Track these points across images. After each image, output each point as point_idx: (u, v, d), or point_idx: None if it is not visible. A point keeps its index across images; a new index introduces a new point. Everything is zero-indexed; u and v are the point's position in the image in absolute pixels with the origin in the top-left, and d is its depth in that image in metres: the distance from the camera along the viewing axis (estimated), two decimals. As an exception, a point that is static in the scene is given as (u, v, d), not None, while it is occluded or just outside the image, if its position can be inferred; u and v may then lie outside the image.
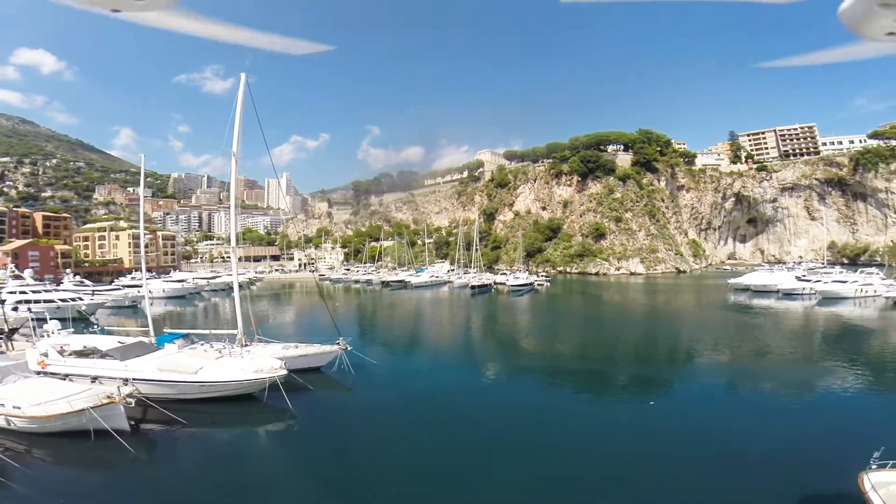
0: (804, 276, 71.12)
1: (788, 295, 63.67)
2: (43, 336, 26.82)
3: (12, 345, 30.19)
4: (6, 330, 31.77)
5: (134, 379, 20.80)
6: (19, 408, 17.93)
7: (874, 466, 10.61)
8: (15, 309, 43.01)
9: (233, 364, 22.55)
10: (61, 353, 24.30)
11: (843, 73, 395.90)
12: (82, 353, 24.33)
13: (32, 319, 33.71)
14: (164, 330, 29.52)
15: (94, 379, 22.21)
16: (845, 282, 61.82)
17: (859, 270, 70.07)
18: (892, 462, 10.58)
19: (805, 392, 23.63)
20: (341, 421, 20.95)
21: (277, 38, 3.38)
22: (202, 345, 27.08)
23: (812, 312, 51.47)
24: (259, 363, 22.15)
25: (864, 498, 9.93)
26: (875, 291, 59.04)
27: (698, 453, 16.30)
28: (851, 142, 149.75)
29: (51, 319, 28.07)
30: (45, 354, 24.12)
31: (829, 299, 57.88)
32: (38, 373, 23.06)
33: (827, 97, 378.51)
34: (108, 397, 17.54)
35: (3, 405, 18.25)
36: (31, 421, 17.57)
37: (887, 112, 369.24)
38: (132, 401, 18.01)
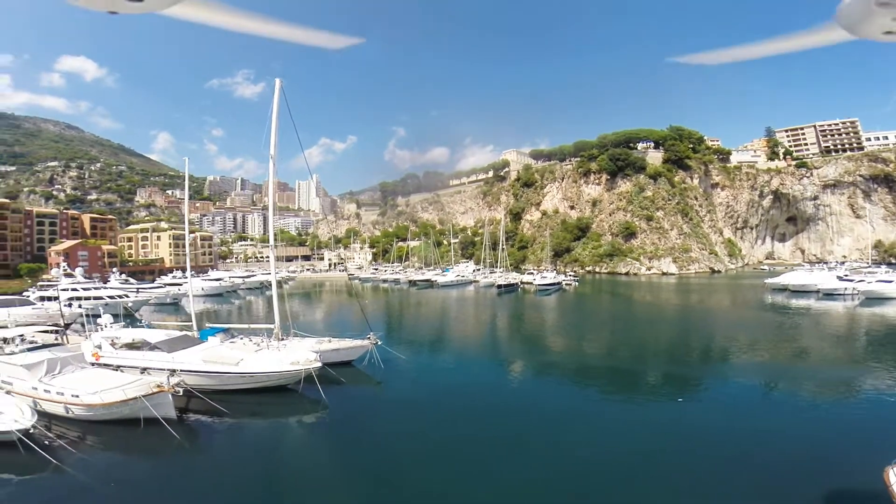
0: (846, 275, 68.21)
1: (829, 295, 61.28)
2: (97, 329, 28.63)
3: (67, 338, 32.41)
4: (62, 324, 34.16)
5: (180, 370, 22.12)
6: (77, 396, 19.28)
7: None
8: (68, 305, 45.82)
9: (271, 356, 23.67)
10: (113, 345, 25.98)
11: (881, 64, 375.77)
12: (132, 346, 25.94)
13: (84, 315, 36.06)
14: (206, 324, 31.07)
15: (144, 370, 23.70)
16: (891, 281, 59.02)
17: (907, 270, 66.74)
18: None
19: (836, 391, 23.00)
20: (371, 413, 21.71)
21: (305, 31, 3.40)
22: (241, 339, 28.46)
23: (853, 313, 49.47)
24: (295, 356, 23.19)
25: (889, 491, 9.91)
26: (924, 292, 56.22)
27: (723, 450, 16.25)
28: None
29: (104, 313, 29.90)
30: (99, 346, 25.81)
31: (873, 300, 55.45)
32: (93, 364, 24.73)
33: (871, 91, 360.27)
34: (158, 386, 18.75)
35: (62, 394, 19.64)
36: (88, 409, 18.85)
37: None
38: (180, 390, 19.18)
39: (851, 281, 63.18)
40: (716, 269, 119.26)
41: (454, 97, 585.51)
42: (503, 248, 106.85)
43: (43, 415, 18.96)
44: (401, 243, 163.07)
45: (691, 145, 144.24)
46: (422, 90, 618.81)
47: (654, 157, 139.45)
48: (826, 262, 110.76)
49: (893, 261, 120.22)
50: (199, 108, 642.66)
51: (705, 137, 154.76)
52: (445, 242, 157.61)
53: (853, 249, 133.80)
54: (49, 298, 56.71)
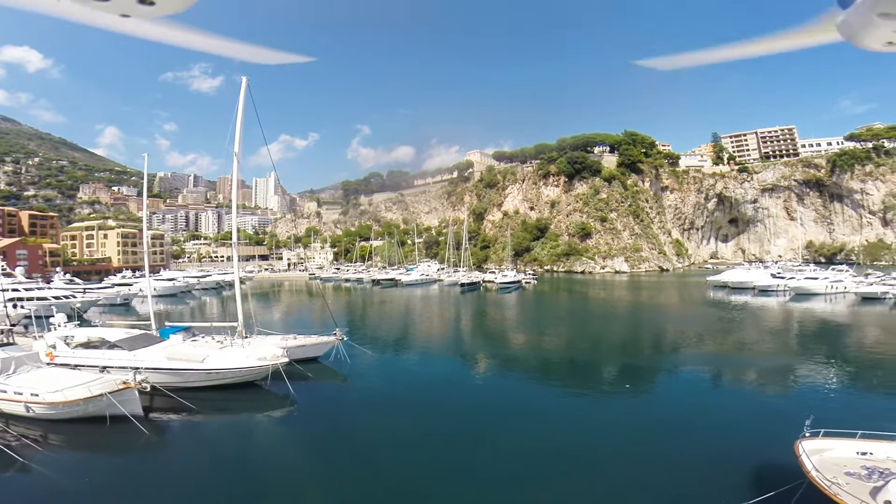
0: (779, 273, 74.02)
1: (764, 291, 66.45)
2: (48, 330, 27.79)
3: (13, 338, 31.12)
4: (7, 325, 32.69)
5: (143, 368, 22.02)
6: (37, 395, 18.96)
7: (807, 434, 12.13)
8: (14, 306, 43.57)
9: (237, 353, 23.92)
10: (67, 344, 25.39)
11: (828, 74, 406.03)
12: (89, 345, 25.42)
13: (29, 316, 34.62)
14: (166, 324, 30.67)
15: (104, 368, 23.34)
16: (817, 278, 64.77)
17: (831, 268, 73.18)
18: (823, 431, 12.18)
19: (762, 376, 25.66)
20: (339, 407, 22.37)
21: (259, 50, 3.31)
22: (203, 337, 28.36)
23: (784, 308, 54.08)
24: (262, 351, 23.55)
25: (798, 462, 11.36)
26: (845, 288, 61.96)
27: (659, 433, 17.97)
28: (829, 144, 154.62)
29: (56, 312, 29.01)
30: (53, 346, 25.19)
31: (801, 295, 60.68)
32: (48, 364, 24.12)
33: (812, 98, 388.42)
34: (124, 383, 18.79)
35: (21, 393, 19.27)
36: (50, 407, 18.59)
37: (869, 114, 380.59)
38: (147, 386, 19.29)
39: (783, 278, 68.73)
40: (664, 267, 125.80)
41: (422, 96, 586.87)
42: (466, 248, 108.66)
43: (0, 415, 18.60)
44: (364, 243, 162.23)
45: (644, 150, 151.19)
46: (388, 88, 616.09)
47: (610, 161, 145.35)
48: (763, 262, 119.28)
49: (822, 260, 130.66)
50: (152, 102, 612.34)
51: (657, 142, 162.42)
52: (409, 242, 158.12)
53: (788, 249, 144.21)
54: (-14, 300, 53.44)
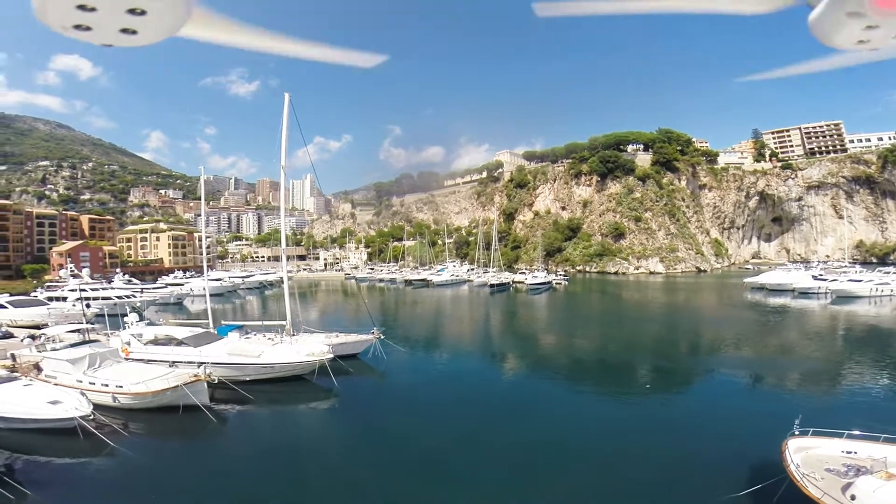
0: (821, 275, 71.67)
1: (804, 294, 64.64)
2: (124, 327, 31.15)
3: (89, 335, 34.85)
4: (85, 323, 36.53)
5: (208, 363, 24.75)
6: (122, 387, 21.78)
7: (796, 433, 13.02)
8: (87, 306, 47.87)
9: (288, 349, 26.43)
10: (138, 341, 28.54)
11: (875, 66, 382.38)
12: (157, 342, 28.50)
13: (100, 315, 38.40)
14: (222, 322, 33.68)
15: (172, 364, 26.23)
16: (860, 281, 62.61)
17: (877, 270, 70.35)
18: (812, 430, 13.05)
19: (783, 379, 25.97)
20: (377, 400, 24.57)
21: (331, 50, 3.12)
22: (255, 335, 31.13)
23: (824, 311, 52.83)
24: (310, 348, 25.97)
25: (782, 458, 12.28)
26: (892, 291, 59.72)
27: (672, 429, 19.22)
28: (880, 139, 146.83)
29: (129, 312, 32.40)
30: (128, 343, 28.39)
31: (842, 298, 58.89)
32: (125, 359, 27.29)
33: (857, 94, 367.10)
34: (195, 376, 21.42)
35: (107, 385, 22.12)
36: (134, 397, 21.36)
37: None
38: (215, 378, 21.87)
39: (825, 280, 66.61)
40: (702, 268, 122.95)
41: (450, 96, 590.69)
42: (496, 248, 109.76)
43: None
44: (396, 243, 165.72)
45: (679, 147, 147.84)
46: (418, 89, 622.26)
47: (643, 160, 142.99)
48: (809, 262, 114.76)
49: (874, 260, 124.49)
50: (192, 107, 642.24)
51: (693, 139, 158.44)
52: (440, 242, 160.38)
53: (836, 249, 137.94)
54: (58, 299, 58.80)
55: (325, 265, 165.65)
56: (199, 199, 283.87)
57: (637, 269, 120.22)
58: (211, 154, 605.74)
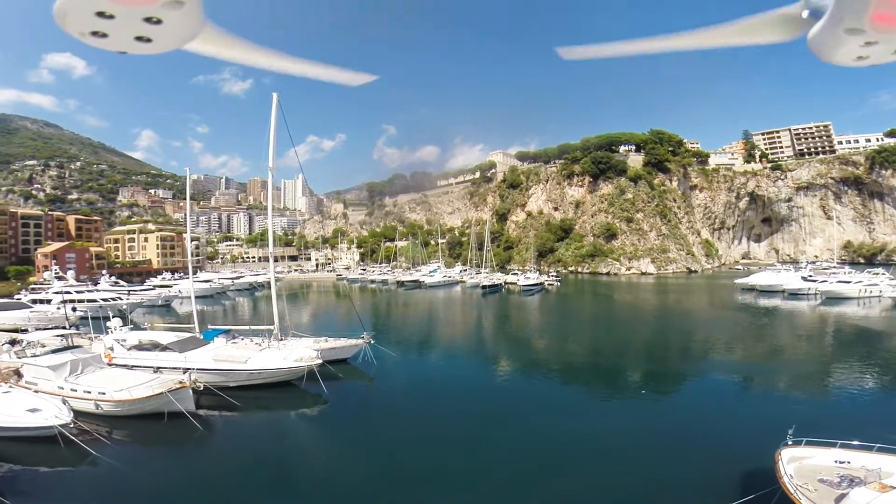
0: (810, 276, 72.19)
1: (794, 295, 65.12)
2: (106, 332, 30.46)
3: (73, 340, 34.07)
4: (68, 327, 35.78)
5: (193, 368, 24.20)
6: (105, 393, 21.22)
7: (790, 442, 12.84)
8: (73, 309, 47.07)
9: (275, 354, 25.94)
10: (122, 347, 27.88)
11: (862, 70, 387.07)
12: (142, 347, 27.87)
13: (84, 318, 37.61)
14: (209, 326, 33.06)
15: (157, 369, 25.69)
16: (850, 282, 63.13)
17: (866, 271, 70.90)
18: (806, 439, 12.88)
19: (776, 384, 25.94)
20: (368, 405, 24.20)
21: (323, 68, 3.21)
22: (242, 339, 30.58)
23: (814, 313, 53.19)
24: (298, 353, 25.49)
25: (775, 468, 12.11)
26: (880, 292, 60.23)
27: (666, 435, 19.00)
28: (868, 140, 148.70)
29: (112, 316, 31.71)
30: (111, 348, 27.72)
31: (832, 299, 59.33)
32: (108, 364, 26.63)
33: (846, 94, 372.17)
34: (181, 382, 20.94)
35: (90, 392, 21.55)
36: (118, 404, 20.83)
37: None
38: (200, 385, 21.39)
39: (814, 281, 67.14)
40: (693, 269, 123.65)
41: (445, 96, 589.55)
42: (489, 249, 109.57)
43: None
44: (388, 243, 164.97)
45: (671, 148, 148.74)
46: (413, 88, 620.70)
47: (635, 160, 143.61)
48: (798, 262, 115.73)
49: (862, 261, 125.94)
50: (184, 105, 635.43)
51: (685, 140, 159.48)
52: (433, 242, 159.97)
53: (824, 249, 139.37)
54: (41, 301, 57.72)
55: (317, 266, 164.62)
56: (190, 198, 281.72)
57: (629, 269, 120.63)
58: (203, 153, 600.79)
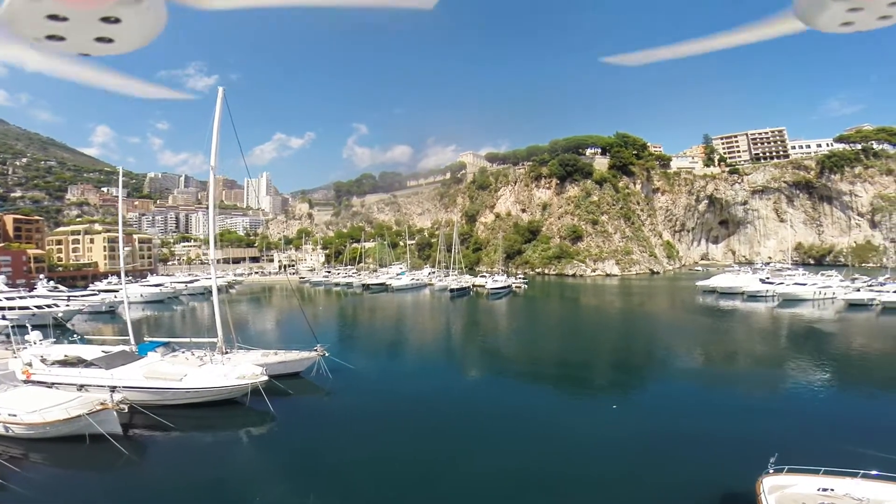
0: (768, 278, 74.26)
1: (753, 297, 66.64)
2: (25, 346, 27.23)
3: (-9, 353, 30.47)
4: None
5: (121, 386, 21.61)
6: (15, 415, 18.77)
7: (771, 471, 11.95)
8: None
9: (216, 371, 23.52)
10: (44, 362, 24.88)
11: (815, 74, 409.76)
12: (66, 363, 24.95)
13: (10, 328, 33.84)
14: (145, 338, 30.18)
15: (81, 387, 22.91)
16: (805, 284, 65.09)
17: (820, 273, 73.51)
18: (788, 467, 11.98)
19: (743, 397, 24.93)
20: (319, 423, 22.18)
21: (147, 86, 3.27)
22: (183, 352, 27.88)
23: (772, 315, 54.27)
24: (241, 370, 23.18)
25: (757, 500, 11.22)
26: (833, 294, 62.24)
27: (631, 456, 17.88)
28: (819, 145, 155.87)
29: (31, 329, 28.44)
30: (30, 364, 24.69)
31: (789, 301, 60.95)
32: (24, 382, 23.64)
33: (801, 100, 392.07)
34: (102, 404, 18.55)
35: None
36: (29, 427, 18.50)
37: (857, 115, 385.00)
38: (125, 407, 19.03)
39: (772, 284, 68.98)
40: (655, 270, 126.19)
41: (420, 96, 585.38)
42: (458, 251, 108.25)
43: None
44: (355, 244, 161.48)
45: (635, 152, 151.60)
46: (387, 87, 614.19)
47: (601, 163, 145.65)
48: (753, 263, 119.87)
49: (811, 262, 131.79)
50: (145, 101, 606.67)
51: (648, 144, 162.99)
52: (402, 244, 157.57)
53: (777, 251, 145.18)
54: (-34, 309, 52.41)
55: (281, 267, 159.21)
56: (146, 197, 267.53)
57: (594, 271, 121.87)
58: (162, 150, 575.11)
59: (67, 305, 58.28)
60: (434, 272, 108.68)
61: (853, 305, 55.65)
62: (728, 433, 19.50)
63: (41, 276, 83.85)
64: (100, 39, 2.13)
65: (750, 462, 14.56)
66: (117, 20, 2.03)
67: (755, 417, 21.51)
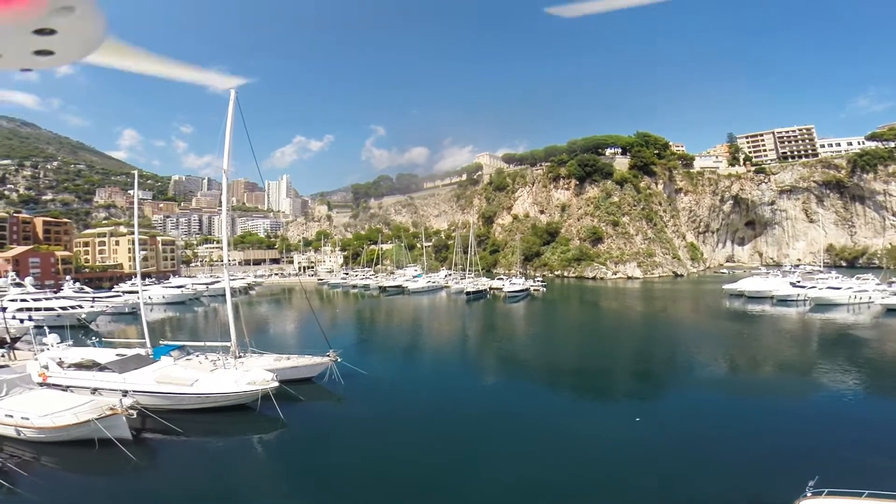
0: (799, 281, 71.16)
1: (783, 301, 63.89)
2: (43, 348, 27.45)
3: (15, 354, 30.91)
4: (8, 340, 32.51)
5: (133, 391, 21.49)
6: (28, 419, 18.86)
7: (809, 494, 10.99)
8: (14, 318, 43.65)
9: (227, 376, 23.22)
10: (60, 365, 24.99)
11: (844, 72, 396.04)
12: (81, 366, 25.02)
13: (36, 328, 34.43)
14: (161, 342, 30.16)
15: (94, 390, 22.93)
16: (839, 288, 61.99)
17: (856, 276, 69.91)
18: (827, 490, 10.96)
19: (778, 410, 23.41)
20: (330, 430, 21.65)
21: (199, 72, 3.33)
22: (197, 356, 27.73)
23: (804, 320, 51.84)
24: (252, 375, 22.82)
25: None
26: (870, 298, 59.14)
27: (655, 466, 16.97)
28: (850, 144, 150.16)
29: (49, 332, 28.69)
30: (46, 367, 24.85)
31: (822, 306, 58.19)
32: (41, 384, 23.76)
33: (828, 97, 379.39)
34: (112, 409, 18.42)
35: (12, 416, 19.13)
36: (39, 431, 18.55)
37: (887, 112, 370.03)
38: (134, 412, 18.85)
39: (803, 287, 65.96)
40: (678, 272, 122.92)
41: (436, 97, 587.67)
42: (475, 253, 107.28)
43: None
44: (372, 246, 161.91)
45: (657, 151, 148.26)
46: (404, 89, 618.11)
47: (621, 163, 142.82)
48: (781, 266, 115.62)
49: (843, 264, 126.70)
50: (169, 104, 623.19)
51: (670, 143, 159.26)
52: (419, 245, 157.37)
53: (807, 253, 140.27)
54: (-4, 309, 53.80)
55: (300, 269, 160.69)
56: (171, 199, 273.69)
57: (615, 274, 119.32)
58: (187, 153, 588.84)
59: (92, 306, 59.38)
60: (450, 274, 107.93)
61: (892, 310, 52.77)
62: (760, 449, 18.23)
63: (68, 277, 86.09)
64: (39, 53, 2.11)
65: (785, 481, 13.62)
66: (52, 31, 1.98)
67: (790, 431, 20.18)
